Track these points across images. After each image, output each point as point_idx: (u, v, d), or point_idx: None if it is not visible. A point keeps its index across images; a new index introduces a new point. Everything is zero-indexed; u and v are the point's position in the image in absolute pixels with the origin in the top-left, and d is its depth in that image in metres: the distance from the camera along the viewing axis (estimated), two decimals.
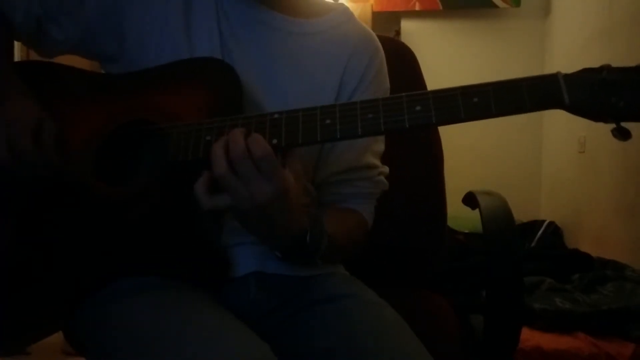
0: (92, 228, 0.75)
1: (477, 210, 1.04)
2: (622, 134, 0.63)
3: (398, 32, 3.49)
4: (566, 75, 0.63)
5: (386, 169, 0.94)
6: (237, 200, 0.66)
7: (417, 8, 3.47)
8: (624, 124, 0.63)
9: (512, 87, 0.64)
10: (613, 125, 0.63)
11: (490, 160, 3.40)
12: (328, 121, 0.68)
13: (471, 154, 3.31)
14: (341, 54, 0.89)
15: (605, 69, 0.63)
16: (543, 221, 2.96)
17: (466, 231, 2.57)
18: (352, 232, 0.88)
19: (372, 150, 0.91)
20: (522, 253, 2.18)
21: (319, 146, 0.87)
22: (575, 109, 0.63)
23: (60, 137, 0.77)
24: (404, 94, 0.67)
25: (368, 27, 0.96)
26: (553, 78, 0.63)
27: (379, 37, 0.97)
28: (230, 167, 0.65)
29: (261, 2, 0.86)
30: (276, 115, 0.69)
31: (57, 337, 0.82)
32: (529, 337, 1.67)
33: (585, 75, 0.63)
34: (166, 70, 0.80)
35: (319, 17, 0.91)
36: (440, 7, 3.45)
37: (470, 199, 1.10)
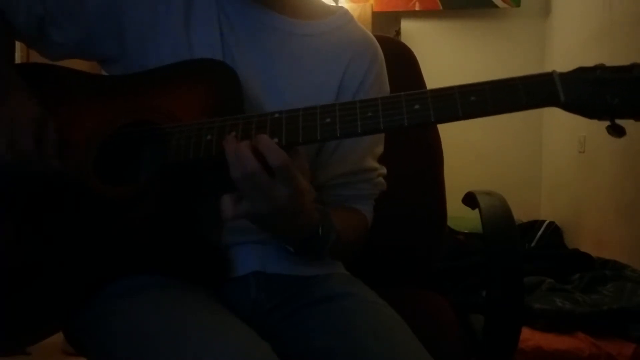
0: (92, 228, 0.75)
1: (477, 210, 1.04)
2: (617, 131, 0.64)
3: (398, 32, 3.49)
4: (562, 74, 0.64)
5: (384, 170, 0.95)
6: (256, 206, 0.67)
7: (417, 8, 3.47)
8: (618, 121, 0.64)
9: (508, 86, 0.65)
10: (608, 123, 0.64)
11: (490, 160, 3.40)
12: (328, 120, 0.68)
13: (471, 154, 3.32)
14: (341, 57, 0.89)
15: (599, 68, 0.64)
16: (543, 221, 2.97)
17: (466, 231, 2.58)
18: (355, 230, 0.89)
19: (372, 153, 0.92)
20: (522, 253, 2.18)
21: (316, 146, 0.87)
22: (570, 107, 0.64)
23: (62, 138, 0.77)
24: (402, 92, 0.67)
25: (368, 28, 0.96)
26: (549, 77, 0.64)
27: (379, 37, 0.97)
28: (246, 177, 0.66)
29: (262, 3, 0.86)
30: (277, 115, 0.70)
31: (57, 337, 0.82)
32: (529, 337, 1.68)
33: (580, 74, 0.64)
34: (167, 71, 0.81)
35: (319, 19, 0.91)
36: (440, 7, 3.45)
37: (470, 199, 1.10)
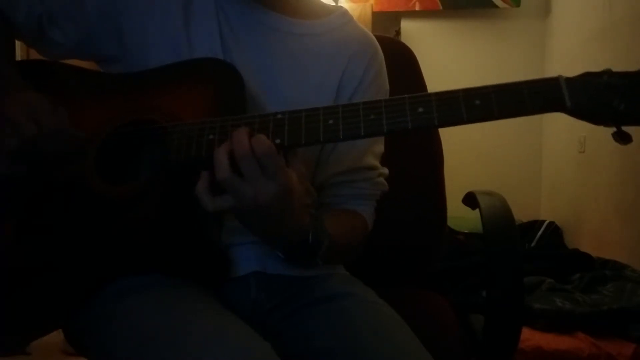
0: (92, 227, 0.75)
1: (477, 210, 1.04)
2: (623, 138, 0.63)
3: (398, 32, 3.49)
4: (568, 79, 0.63)
5: (386, 171, 0.94)
6: (240, 200, 0.66)
7: (417, 8, 3.47)
8: (624, 128, 0.63)
9: (514, 90, 0.64)
10: (614, 129, 0.63)
11: (490, 160, 3.40)
12: (331, 121, 0.68)
13: (471, 154, 3.31)
14: (340, 56, 0.89)
15: (606, 73, 0.63)
16: (543, 221, 2.97)
17: (466, 231, 2.57)
18: (353, 233, 0.88)
19: (372, 152, 0.92)
20: (522, 253, 2.18)
21: (319, 147, 0.87)
22: (576, 113, 0.63)
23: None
24: (406, 95, 0.67)
25: (368, 28, 0.96)
26: (555, 82, 0.63)
27: (379, 37, 0.97)
28: (233, 168, 0.65)
29: (261, 3, 0.86)
30: (279, 115, 0.69)
31: (57, 337, 0.82)
32: (529, 337, 1.67)
33: (587, 79, 0.63)
34: (169, 70, 0.81)
35: (318, 18, 0.91)
36: (440, 7, 3.45)
37: (470, 199, 1.10)
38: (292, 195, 0.67)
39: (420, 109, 0.65)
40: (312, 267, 0.83)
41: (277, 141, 0.67)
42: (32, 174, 0.76)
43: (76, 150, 0.76)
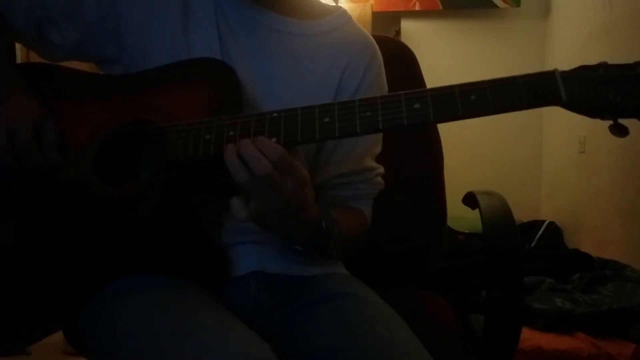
0: (92, 228, 0.75)
1: (477, 210, 1.04)
2: (620, 131, 0.63)
3: (398, 32, 3.49)
4: (563, 72, 0.63)
5: (382, 169, 0.95)
6: (265, 200, 0.67)
7: (417, 8, 3.47)
8: (621, 121, 0.63)
9: (509, 85, 0.64)
10: (610, 122, 0.64)
11: (490, 160, 3.40)
12: (327, 119, 0.68)
13: (471, 154, 3.32)
14: (340, 57, 0.89)
15: (602, 66, 0.63)
16: (543, 221, 2.96)
17: (466, 231, 2.57)
18: (357, 226, 0.89)
19: (371, 153, 0.92)
20: (522, 253, 2.18)
21: (315, 147, 0.87)
22: (572, 106, 0.63)
23: (61, 138, 0.77)
24: (402, 92, 0.67)
25: (368, 28, 0.96)
26: (550, 75, 0.63)
27: (379, 37, 0.97)
28: (252, 176, 0.66)
29: (260, 3, 0.86)
30: (275, 114, 0.70)
31: (57, 337, 0.82)
32: (529, 337, 1.67)
33: (583, 72, 0.63)
34: (167, 70, 0.81)
35: (317, 19, 0.91)
36: (440, 7, 3.46)
37: (470, 199, 1.10)
38: (306, 183, 0.69)
39: (416, 105, 0.65)
40: (320, 261, 0.84)
41: (274, 140, 0.67)
42: (23, 179, 0.76)
43: (44, 172, 0.76)
